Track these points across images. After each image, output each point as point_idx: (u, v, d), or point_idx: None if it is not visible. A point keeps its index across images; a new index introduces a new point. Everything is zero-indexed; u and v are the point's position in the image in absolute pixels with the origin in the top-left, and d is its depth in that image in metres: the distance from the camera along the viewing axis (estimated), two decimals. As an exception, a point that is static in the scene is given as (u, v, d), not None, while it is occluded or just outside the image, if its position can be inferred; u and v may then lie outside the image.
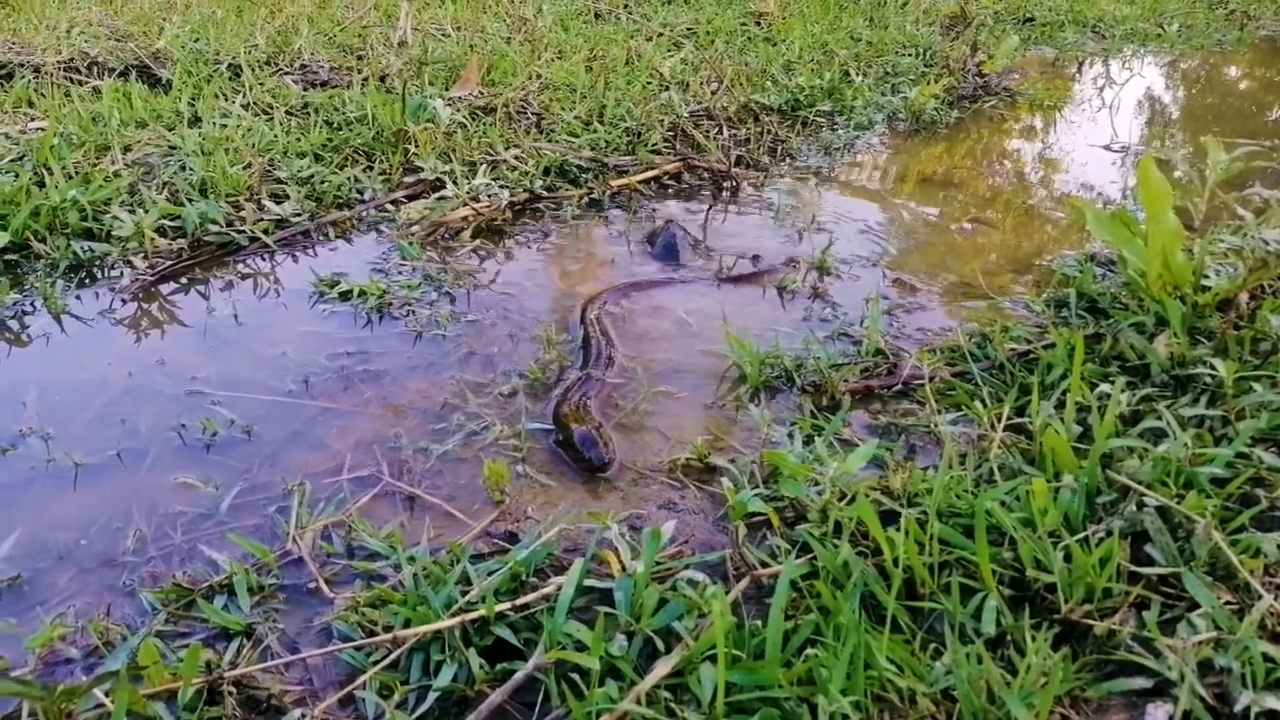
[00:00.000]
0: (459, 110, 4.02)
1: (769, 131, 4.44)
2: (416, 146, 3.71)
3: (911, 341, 2.59)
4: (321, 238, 3.16)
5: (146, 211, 2.94)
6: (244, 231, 3.02)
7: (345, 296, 2.71)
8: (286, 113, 4.05)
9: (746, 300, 2.85)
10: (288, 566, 1.69)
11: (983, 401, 2.15)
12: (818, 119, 4.74)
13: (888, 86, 5.39)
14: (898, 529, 1.68)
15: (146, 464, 1.97)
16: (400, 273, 2.89)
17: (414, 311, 2.65)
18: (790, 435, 2.07)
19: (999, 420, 1.99)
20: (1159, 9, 8.58)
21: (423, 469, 1.97)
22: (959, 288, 2.98)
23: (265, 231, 3.05)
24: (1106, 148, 4.66)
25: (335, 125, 3.94)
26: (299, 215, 3.19)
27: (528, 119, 4.21)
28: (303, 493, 1.85)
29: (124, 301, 2.68)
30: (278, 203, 3.22)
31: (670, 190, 3.80)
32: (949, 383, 2.31)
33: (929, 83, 5.21)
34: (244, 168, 3.38)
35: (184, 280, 2.84)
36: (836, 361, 2.39)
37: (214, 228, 3.02)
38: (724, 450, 2.07)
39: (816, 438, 2.05)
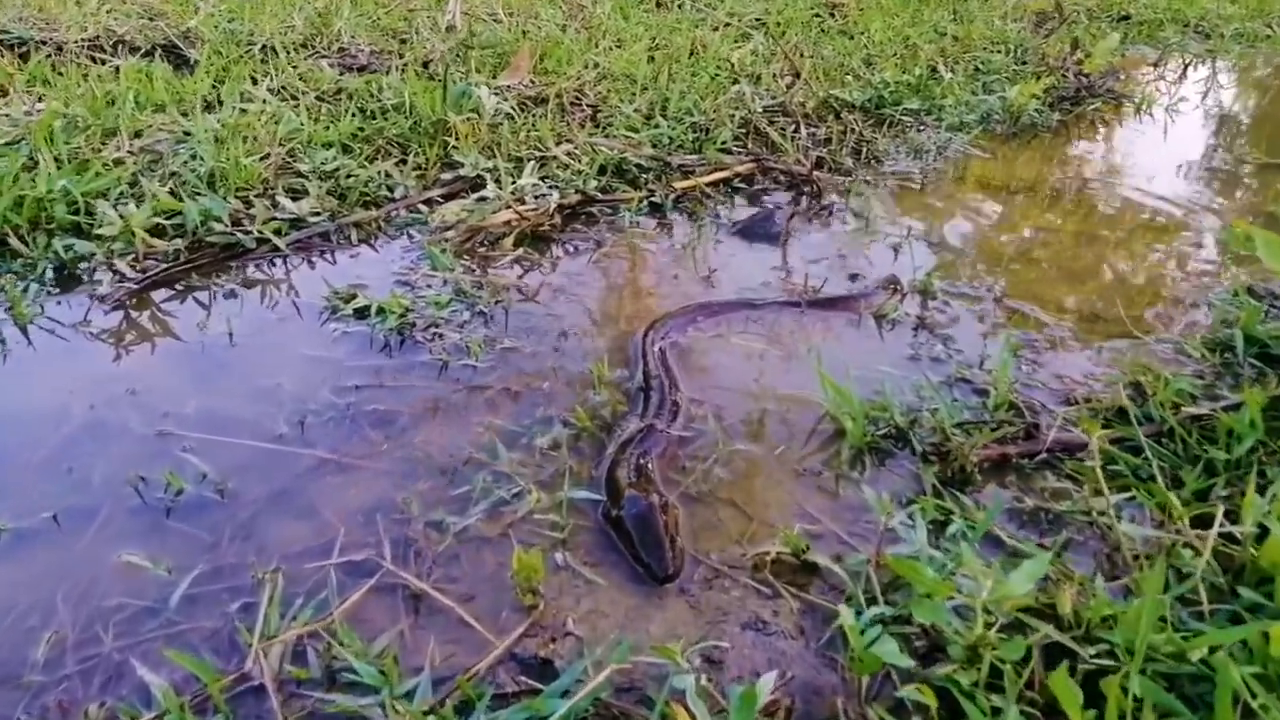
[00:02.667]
0: (506, 99, 3.59)
1: (852, 130, 3.94)
2: (457, 139, 3.29)
3: (1046, 392, 2.09)
4: (342, 241, 2.74)
5: (140, 206, 2.54)
6: (251, 232, 2.61)
7: (361, 314, 2.29)
8: (317, 98, 3.65)
9: (837, 331, 2.37)
10: (244, 696, 1.26)
11: (1154, 480, 1.66)
12: (904, 119, 4.23)
13: (979, 85, 4.85)
14: (1071, 674, 1.21)
15: (90, 532, 1.56)
16: (429, 286, 2.46)
17: (441, 335, 2.21)
18: (910, 520, 1.59)
19: (1207, 531, 1.49)
20: (1265, 9, 7.88)
21: (435, 552, 1.53)
22: (1092, 322, 2.47)
23: (277, 232, 2.65)
24: (1241, 160, 4.09)
25: (369, 113, 3.53)
26: (318, 215, 2.78)
27: (582, 111, 3.77)
28: (276, 584, 1.42)
29: (104, 313, 2.28)
30: (295, 199, 2.81)
31: (742, 194, 3.32)
32: (1106, 453, 1.81)
33: (1028, 81, 4.66)
34: (261, 159, 2.98)
35: (177, 288, 2.43)
36: (960, 418, 1.90)
37: (218, 226, 2.61)
38: (823, 537, 1.60)
39: (948, 526, 1.58)
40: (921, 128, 4.19)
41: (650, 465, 1.71)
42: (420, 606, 1.42)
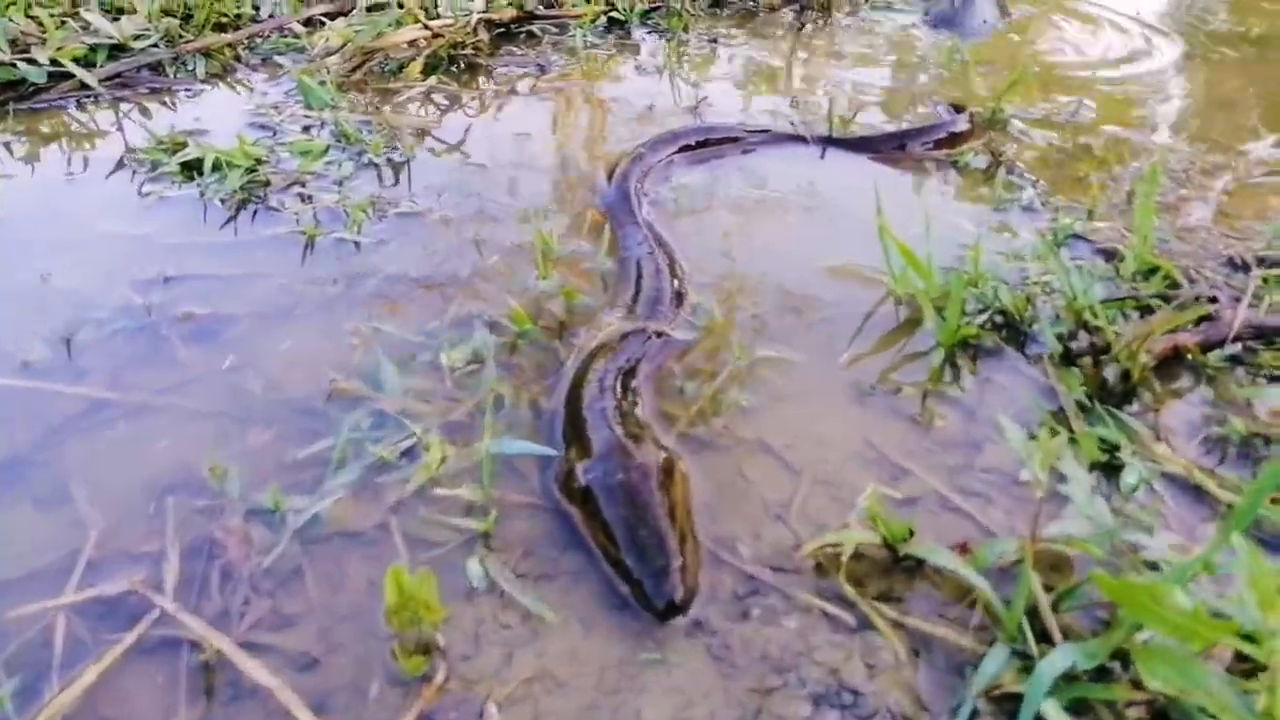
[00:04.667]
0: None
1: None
2: (348, -58, 2.47)
3: (1194, 253, 1.44)
4: (183, 75, 1.97)
5: None
6: (40, 63, 1.83)
7: (190, 170, 1.56)
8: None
9: (880, 174, 1.68)
10: None
11: None
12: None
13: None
14: None
15: None
16: (299, 128, 1.73)
17: (308, 197, 1.50)
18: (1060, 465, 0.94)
19: None
20: None
21: (257, 570, 0.87)
22: (1222, 154, 1.80)
23: (86, 64, 1.87)
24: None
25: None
26: (147, 39, 2.00)
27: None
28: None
29: None
30: (114, 19, 2.01)
31: (728, 13, 2.56)
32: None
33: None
34: (71, -33, 2.16)
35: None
36: (1097, 297, 1.24)
37: (-5, 56, 1.83)
38: (919, 502, 0.96)
39: (1119, 470, 0.95)
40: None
41: (638, 396, 1.05)
42: (216, 686, 0.77)
